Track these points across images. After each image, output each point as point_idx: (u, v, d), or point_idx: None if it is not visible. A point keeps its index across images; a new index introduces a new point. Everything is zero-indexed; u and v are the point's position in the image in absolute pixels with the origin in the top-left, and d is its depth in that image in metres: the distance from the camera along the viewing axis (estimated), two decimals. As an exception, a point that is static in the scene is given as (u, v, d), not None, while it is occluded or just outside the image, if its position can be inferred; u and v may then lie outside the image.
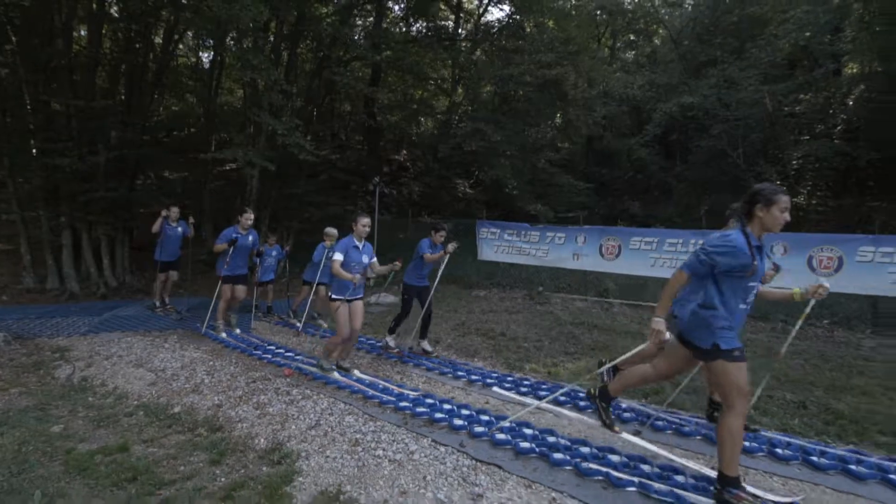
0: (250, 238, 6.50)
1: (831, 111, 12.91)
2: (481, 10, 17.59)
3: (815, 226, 10.98)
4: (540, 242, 9.67)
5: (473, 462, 3.23)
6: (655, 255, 8.17)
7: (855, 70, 14.37)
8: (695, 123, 13.49)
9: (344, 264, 4.69)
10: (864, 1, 11.57)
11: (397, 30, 16.50)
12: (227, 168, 15.89)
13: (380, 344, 6.09)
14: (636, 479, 2.96)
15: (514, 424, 3.72)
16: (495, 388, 4.66)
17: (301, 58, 14.66)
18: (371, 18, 16.11)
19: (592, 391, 3.73)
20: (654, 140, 14.78)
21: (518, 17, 14.02)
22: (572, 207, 14.98)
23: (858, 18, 11.88)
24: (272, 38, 12.29)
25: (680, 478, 3.02)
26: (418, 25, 16.67)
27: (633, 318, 7.82)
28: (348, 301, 4.82)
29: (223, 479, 3.13)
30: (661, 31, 18.91)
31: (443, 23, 17.16)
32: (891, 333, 6.48)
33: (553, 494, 2.88)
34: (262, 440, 3.68)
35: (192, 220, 7.92)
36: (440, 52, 14.02)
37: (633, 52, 20.77)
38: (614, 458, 3.25)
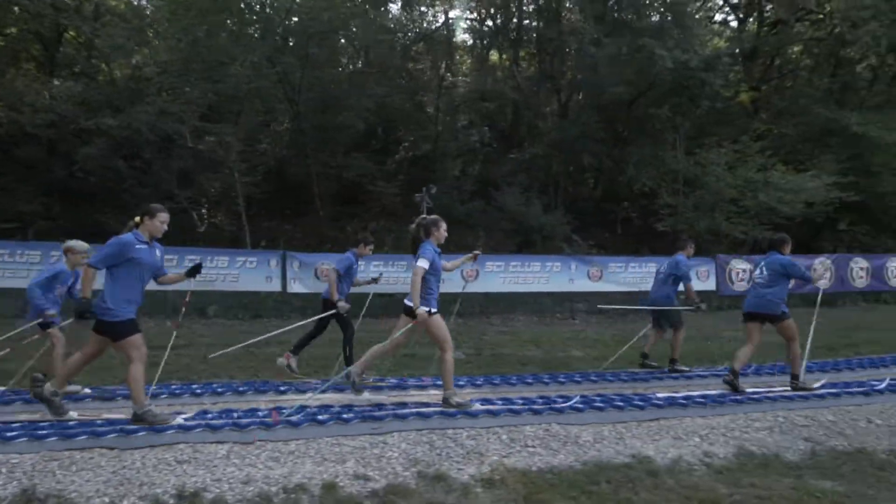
0: (157, 252, 4.16)
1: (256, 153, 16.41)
2: None
3: (211, 242, 13.58)
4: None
5: None
6: None
7: (284, 127, 18.88)
8: (138, 145, 14.44)
9: (429, 273, 4.37)
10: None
11: None
12: None
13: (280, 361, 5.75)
14: None
15: None
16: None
17: None
18: None
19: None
20: (108, 151, 14.79)
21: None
22: (16, 217, 13.37)
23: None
24: None
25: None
26: None
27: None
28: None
29: None
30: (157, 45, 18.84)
31: None
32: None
33: None
34: None
35: None
36: None
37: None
38: None
